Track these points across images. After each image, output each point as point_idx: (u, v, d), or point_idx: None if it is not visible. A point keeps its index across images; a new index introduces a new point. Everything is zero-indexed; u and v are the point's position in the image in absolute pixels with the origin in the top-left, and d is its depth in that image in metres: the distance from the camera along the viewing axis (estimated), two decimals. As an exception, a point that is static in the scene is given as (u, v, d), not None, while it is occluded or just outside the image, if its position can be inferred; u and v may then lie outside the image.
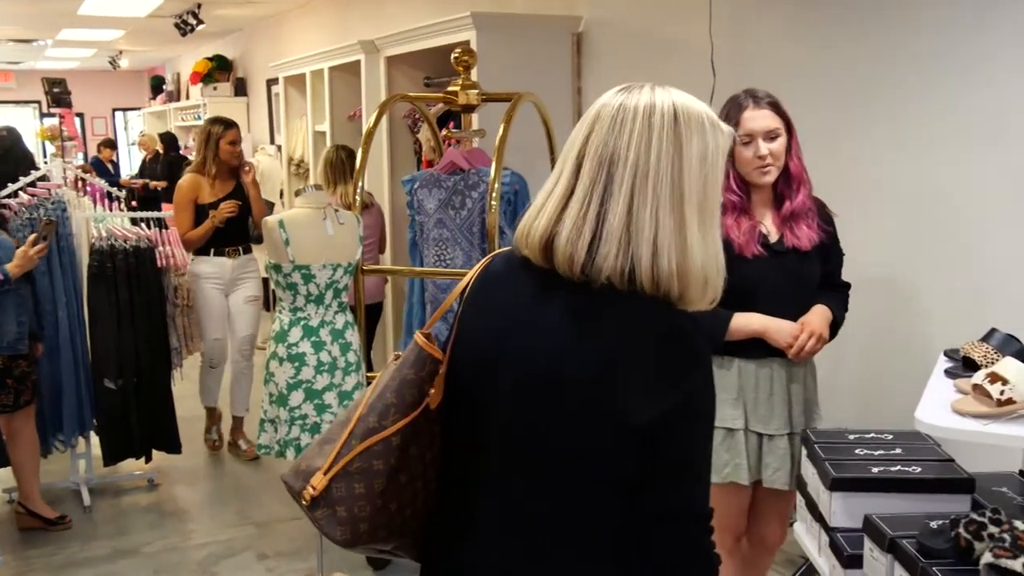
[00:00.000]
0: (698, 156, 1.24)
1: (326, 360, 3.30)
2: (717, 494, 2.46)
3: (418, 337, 1.31)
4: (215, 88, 10.16)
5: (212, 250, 4.69)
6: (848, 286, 2.63)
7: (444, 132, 3.98)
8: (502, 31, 4.34)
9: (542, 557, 1.24)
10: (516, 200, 3.47)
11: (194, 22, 8.47)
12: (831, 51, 3.29)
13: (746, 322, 2.38)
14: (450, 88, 3.50)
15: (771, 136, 2.38)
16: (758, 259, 2.39)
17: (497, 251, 1.39)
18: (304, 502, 1.28)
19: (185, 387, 4.94)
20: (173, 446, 4.44)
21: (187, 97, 11.52)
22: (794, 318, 2.42)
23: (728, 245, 2.30)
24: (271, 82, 8.56)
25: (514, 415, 1.25)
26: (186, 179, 4.71)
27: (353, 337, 3.42)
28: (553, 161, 3.69)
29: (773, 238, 2.44)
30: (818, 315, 2.44)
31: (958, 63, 2.87)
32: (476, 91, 3.46)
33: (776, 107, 2.40)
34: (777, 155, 2.38)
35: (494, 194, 3.13)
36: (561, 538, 1.23)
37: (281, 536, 3.90)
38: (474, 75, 3.63)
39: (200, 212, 4.62)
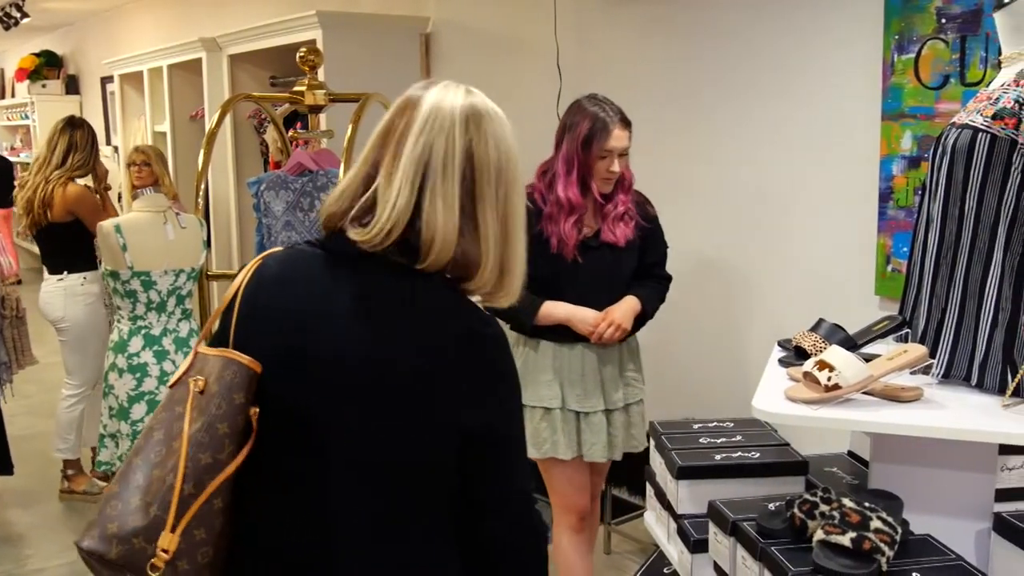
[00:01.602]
0: (495, 161, 1.25)
1: (170, 370, 3.18)
2: (554, 472, 2.67)
3: (233, 354, 1.20)
4: (44, 86, 9.58)
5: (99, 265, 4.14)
6: (668, 279, 2.80)
7: (291, 133, 3.89)
8: (349, 30, 4.29)
9: (376, 555, 1.21)
10: (367, 202, 3.43)
11: (18, 15, 7.96)
12: (671, 53, 3.41)
13: (553, 310, 2.59)
14: (296, 88, 3.43)
15: (623, 153, 2.60)
16: (575, 256, 2.58)
17: (268, 252, 1.32)
18: (154, 572, 1.12)
19: (17, 404, 4.64)
20: (4, 467, 4.16)
21: (12, 95, 10.82)
22: (607, 306, 2.62)
23: (547, 241, 2.55)
24: (106, 80, 8.15)
25: (325, 417, 1.20)
26: (80, 189, 4.11)
27: (199, 345, 3.31)
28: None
29: (591, 233, 2.63)
30: (623, 305, 2.63)
31: (791, 73, 3.03)
32: (323, 91, 3.40)
33: (629, 126, 2.61)
34: (622, 168, 2.61)
35: (344, 196, 3.09)
36: (393, 533, 1.22)
37: (126, 556, 3.71)
38: (321, 75, 3.57)
39: None
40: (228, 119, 4.66)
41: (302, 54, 3.39)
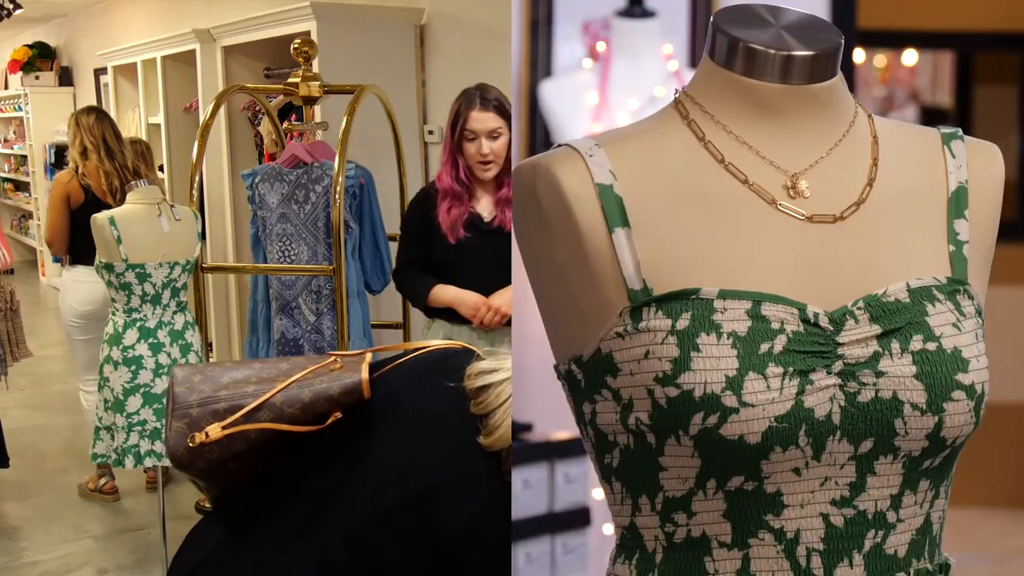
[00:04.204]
0: None
1: (165, 363, 3.18)
2: None
3: (364, 373, 1.27)
4: (37, 77, 9.55)
5: None
6: None
7: (286, 125, 3.89)
8: (343, 22, 4.28)
9: None
10: (362, 194, 3.42)
11: (11, 6, 7.91)
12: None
13: (441, 294, 2.70)
14: (291, 80, 3.42)
15: (493, 135, 2.60)
16: (463, 239, 2.64)
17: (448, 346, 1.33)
18: (191, 443, 1.22)
19: (11, 397, 4.64)
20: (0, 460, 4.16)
21: (5, 87, 10.78)
22: (497, 290, 2.64)
23: (437, 227, 2.63)
24: (99, 72, 8.12)
25: None
26: None
27: (194, 338, 3.30)
28: (399, 154, 3.67)
29: (487, 218, 2.68)
30: (509, 292, 2.66)
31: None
32: (318, 83, 3.39)
33: (500, 109, 2.60)
34: (499, 152, 2.61)
35: (338, 188, 3.08)
36: None
37: (122, 548, 3.72)
38: (315, 66, 3.56)
39: None
40: (222, 111, 4.65)
41: (296, 45, 3.38)
